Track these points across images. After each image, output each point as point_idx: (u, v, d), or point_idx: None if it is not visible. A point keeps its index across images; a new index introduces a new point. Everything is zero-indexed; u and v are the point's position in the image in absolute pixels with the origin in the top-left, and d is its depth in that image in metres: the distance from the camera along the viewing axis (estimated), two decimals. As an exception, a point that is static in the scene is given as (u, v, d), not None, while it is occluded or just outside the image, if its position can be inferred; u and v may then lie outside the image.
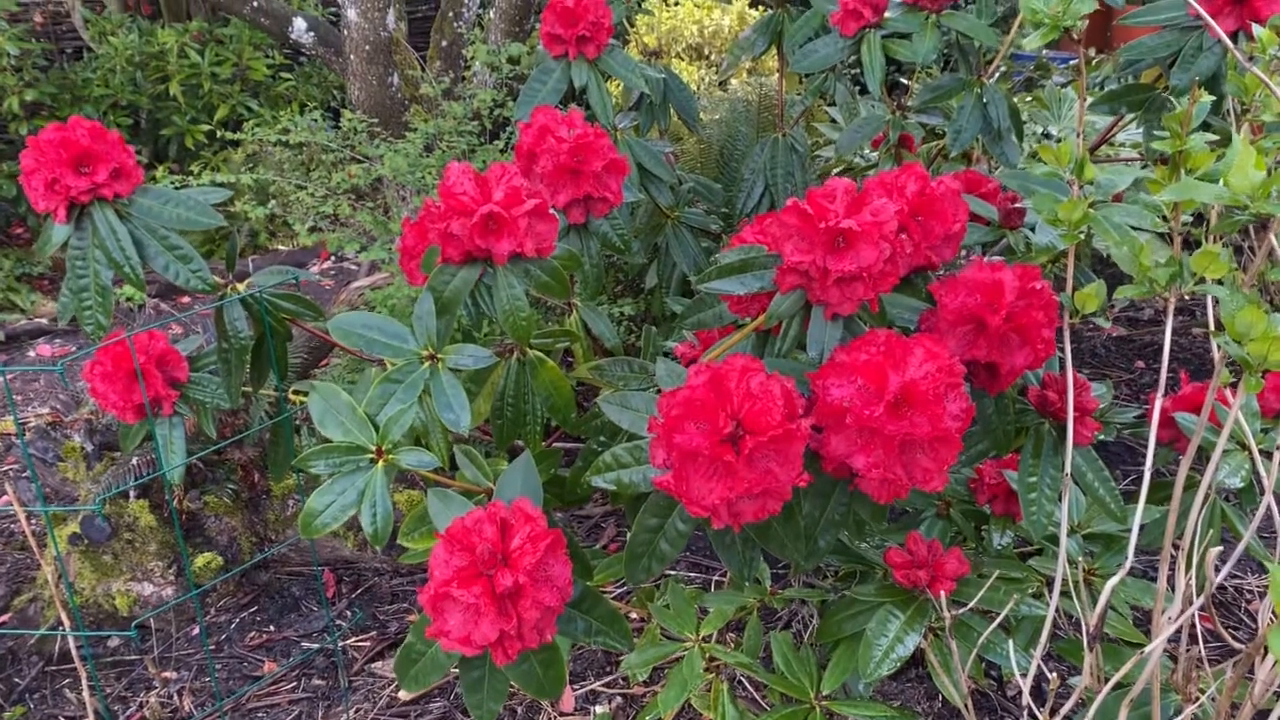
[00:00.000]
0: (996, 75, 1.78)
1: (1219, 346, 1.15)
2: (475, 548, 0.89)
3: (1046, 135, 2.75)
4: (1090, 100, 2.00)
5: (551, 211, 1.20)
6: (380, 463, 1.07)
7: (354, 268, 4.36)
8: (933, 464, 0.95)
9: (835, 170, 2.81)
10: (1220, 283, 1.05)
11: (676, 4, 4.17)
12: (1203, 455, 1.54)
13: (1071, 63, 4.06)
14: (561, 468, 1.42)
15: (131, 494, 2.05)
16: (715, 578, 2.13)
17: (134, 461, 2.02)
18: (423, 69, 3.24)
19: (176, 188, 2.77)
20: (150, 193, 1.42)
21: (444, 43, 3.34)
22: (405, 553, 1.33)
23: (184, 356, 1.64)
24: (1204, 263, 0.97)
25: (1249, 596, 2.02)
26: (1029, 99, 2.93)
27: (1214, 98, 1.65)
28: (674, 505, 0.98)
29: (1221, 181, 1.04)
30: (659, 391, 1.22)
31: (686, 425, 0.89)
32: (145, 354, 1.58)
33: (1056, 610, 1.34)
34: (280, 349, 1.64)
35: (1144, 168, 2.25)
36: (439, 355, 1.12)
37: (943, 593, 1.25)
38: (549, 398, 1.25)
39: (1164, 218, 1.09)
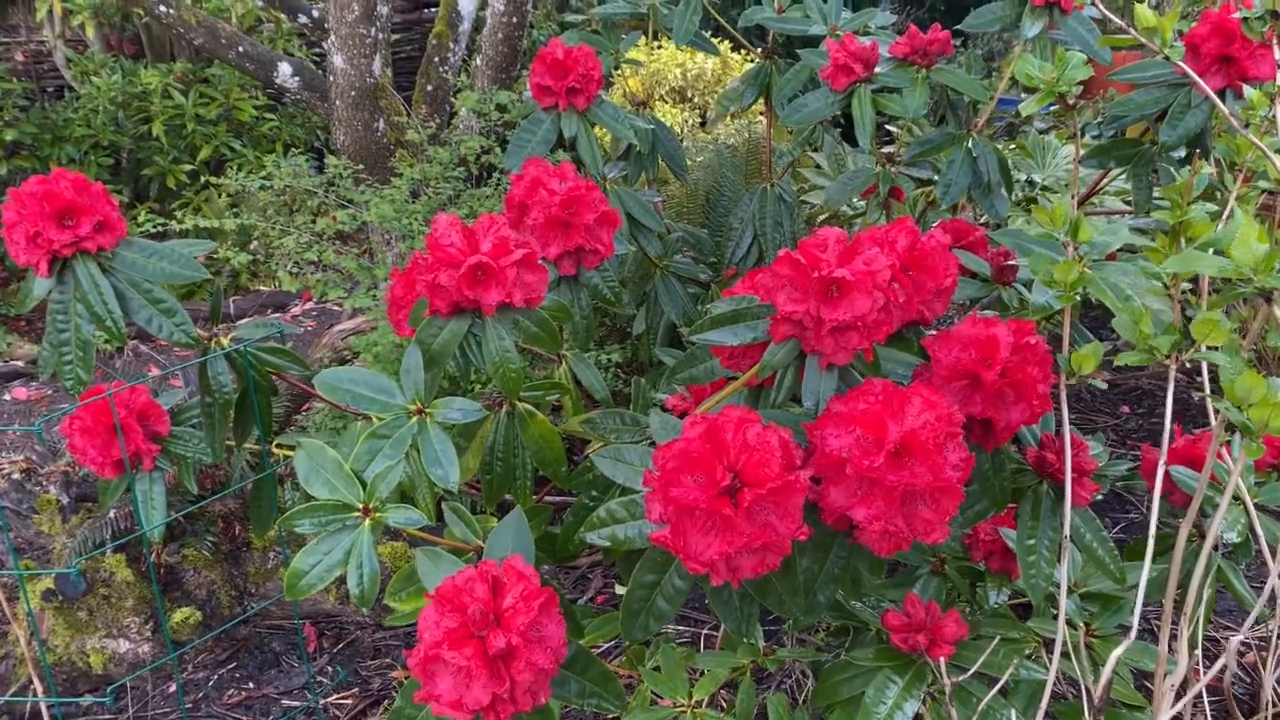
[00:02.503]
0: (982, 128, 1.78)
1: (1217, 411, 1.14)
2: (467, 608, 0.87)
3: (1030, 183, 2.77)
4: (1086, 152, 2.00)
5: (541, 263, 1.19)
6: (367, 521, 1.04)
7: (336, 309, 4.33)
8: (934, 515, 0.93)
9: (821, 218, 2.82)
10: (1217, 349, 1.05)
11: (659, 47, 4.20)
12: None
13: (1053, 109, 4.11)
14: (550, 524, 1.40)
15: (108, 548, 2.00)
16: (705, 631, 2.09)
17: (111, 514, 1.97)
18: (408, 114, 3.24)
19: (156, 232, 2.75)
20: (134, 245, 1.40)
21: (429, 87, 3.34)
22: (391, 612, 1.30)
23: (165, 410, 1.61)
24: (1204, 330, 0.96)
25: (1241, 649, 2.00)
26: (1013, 146, 2.96)
27: (1202, 158, 1.67)
28: (671, 561, 0.96)
29: (1214, 250, 1.05)
30: (652, 444, 1.20)
31: (683, 478, 0.87)
32: (126, 408, 1.55)
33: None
34: (264, 403, 1.61)
35: (1123, 216, 2.27)
36: (427, 410, 1.10)
37: (942, 659, 1.23)
38: (539, 451, 1.23)
39: (1164, 284, 1.09)
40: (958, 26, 1.76)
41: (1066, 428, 1.22)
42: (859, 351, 0.98)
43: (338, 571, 1.01)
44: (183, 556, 2.12)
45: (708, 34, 2.38)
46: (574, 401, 1.36)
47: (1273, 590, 1.28)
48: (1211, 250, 1.13)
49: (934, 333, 1.20)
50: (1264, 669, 1.38)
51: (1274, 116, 1.33)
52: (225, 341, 1.58)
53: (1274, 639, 1.54)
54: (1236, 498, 1.48)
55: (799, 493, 0.85)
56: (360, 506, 1.03)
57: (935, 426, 0.88)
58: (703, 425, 0.86)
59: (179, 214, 2.97)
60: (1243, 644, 2.00)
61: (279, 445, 1.83)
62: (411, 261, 1.40)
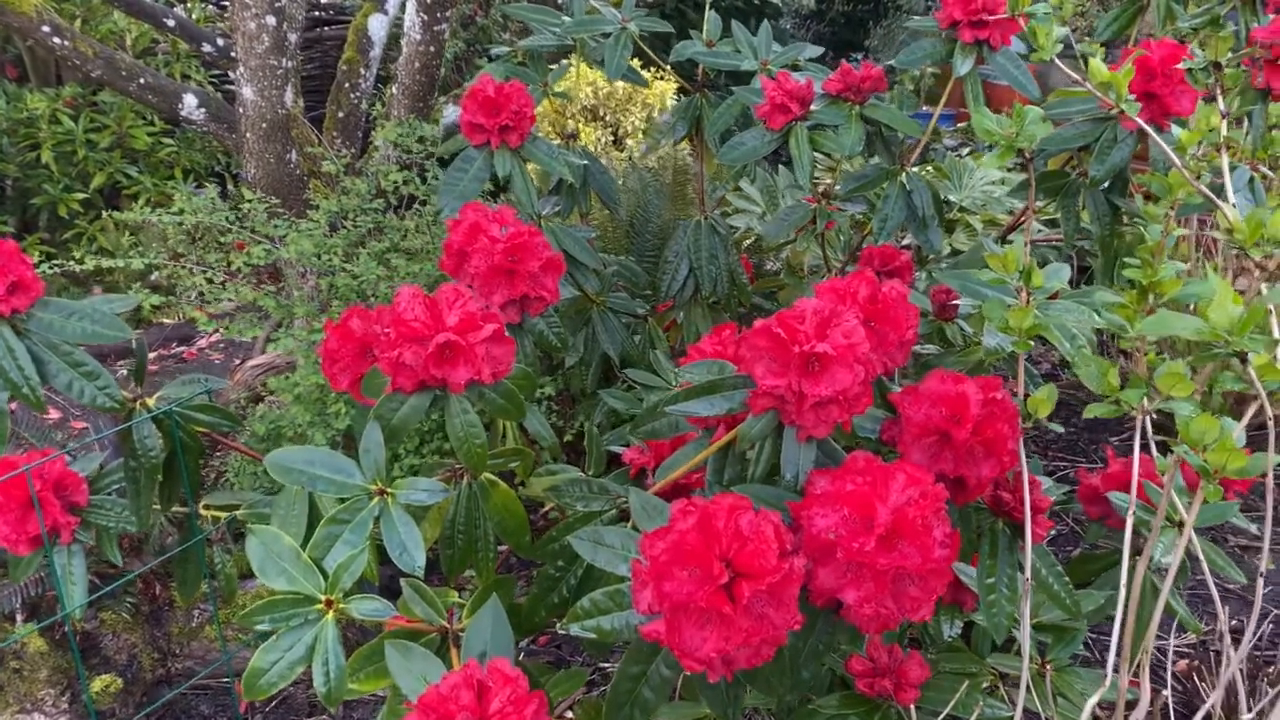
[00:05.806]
0: (915, 161, 1.81)
1: (1168, 455, 1.16)
2: (453, 718, 0.82)
3: (948, 203, 2.82)
4: (1012, 187, 2.04)
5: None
6: (330, 614, 0.99)
7: (245, 341, 4.17)
8: (922, 594, 0.92)
9: (747, 243, 2.82)
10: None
11: (570, 65, 4.16)
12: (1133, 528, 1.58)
13: (961, 126, 4.22)
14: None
15: (19, 618, 1.88)
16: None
17: (21, 582, 1.85)
18: (321, 143, 3.14)
19: (54, 272, 2.59)
20: (51, 305, 1.32)
21: (340, 114, 3.25)
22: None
23: (83, 478, 1.51)
24: (1169, 382, 0.98)
25: (1173, 658, 2.07)
26: (929, 168, 3.01)
27: (1123, 189, 1.72)
28: (658, 651, 0.93)
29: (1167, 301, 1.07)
30: (624, 516, 1.17)
31: (675, 571, 0.84)
32: (40, 479, 1.45)
33: (1011, 703, 1.33)
34: (193, 465, 1.54)
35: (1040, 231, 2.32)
36: (389, 491, 1.05)
37: (912, 706, 1.23)
38: (501, 521, 1.19)
39: (1113, 335, 1.10)
40: (889, 63, 1.77)
41: (1025, 471, 1.23)
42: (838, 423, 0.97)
43: (300, 668, 0.96)
44: (100, 621, 2.01)
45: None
46: (527, 463, 1.32)
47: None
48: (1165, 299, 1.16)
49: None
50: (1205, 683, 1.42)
51: (1201, 155, 1.37)
52: (151, 403, 1.49)
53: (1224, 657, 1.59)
54: (1179, 522, 1.52)
55: (795, 582, 0.83)
56: (322, 598, 0.98)
57: (922, 505, 0.88)
58: (695, 515, 0.83)
59: (75, 249, 2.81)
60: (1175, 652, 2.06)
61: (206, 506, 1.74)
62: (346, 313, 1.35)
